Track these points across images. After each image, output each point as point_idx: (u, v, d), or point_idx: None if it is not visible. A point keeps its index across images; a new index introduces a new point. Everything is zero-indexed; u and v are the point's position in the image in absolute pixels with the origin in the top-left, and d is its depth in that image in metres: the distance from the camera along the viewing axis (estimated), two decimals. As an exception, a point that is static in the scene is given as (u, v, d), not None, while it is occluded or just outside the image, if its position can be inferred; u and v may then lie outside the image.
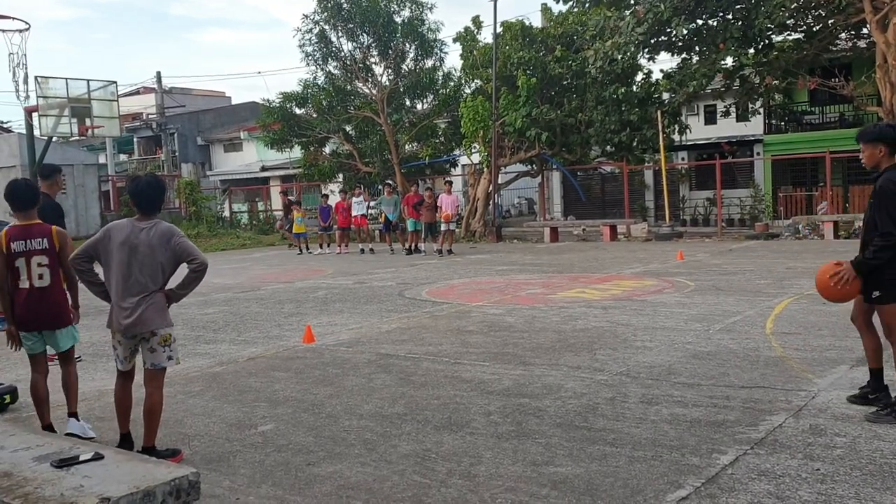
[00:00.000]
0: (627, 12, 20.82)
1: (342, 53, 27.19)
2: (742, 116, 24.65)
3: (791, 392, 5.44)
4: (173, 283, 4.78)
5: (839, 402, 5.13)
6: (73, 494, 2.80)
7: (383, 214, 21.44)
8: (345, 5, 25.90)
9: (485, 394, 5.78)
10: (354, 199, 21.97)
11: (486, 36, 26.40)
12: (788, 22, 20.12)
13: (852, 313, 5.13)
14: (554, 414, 5.19)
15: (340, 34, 26.68)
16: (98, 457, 3.16)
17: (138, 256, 4.56)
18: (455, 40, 26.56)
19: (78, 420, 5.20)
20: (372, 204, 23.39)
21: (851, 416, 4.82)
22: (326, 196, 23.89)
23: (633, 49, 21.21)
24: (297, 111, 28.65)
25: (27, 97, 22.46)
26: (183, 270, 4.74)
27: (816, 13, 20.28)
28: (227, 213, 35.94)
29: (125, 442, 4.65)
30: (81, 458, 3.14)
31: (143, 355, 4.69)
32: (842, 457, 4.18)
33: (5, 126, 40.49)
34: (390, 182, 24.74)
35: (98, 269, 4.76)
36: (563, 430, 4.84)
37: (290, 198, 24.63)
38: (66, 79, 23.80)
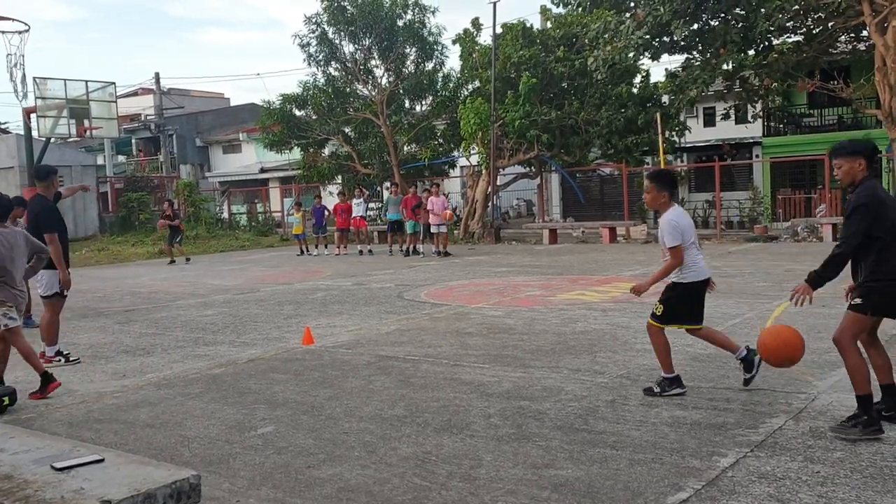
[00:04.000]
0: (627, 15, 20.81)
1: (343, 55, 27.19)
2: (742, 118, 24.67)
3: (791, 394, 5.44)
4: None
5: (839, 404, 5.12)
6: (73, 497, 2.79)
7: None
8: (349, 8, 25.88)
9: (485, 396, 5.78)
10: (354, 201, 21.98)
11: (485, 38, 26.45)
12: (788, 24, 20.13)
13: None
14: (554, 416, 5.19)
15: (343, 36, 26.68)
16: (98, 460, 3.16)
17: (18, 252, 6.32)
18: (454, 42, 26.58)
19: None
20: (375, 206, 23.19)
21: (851, 419, 4.82)
22: (320, 197, 23.84)
23: (632, 53, 21.21)
24: (297, 113, 28.62)
25: (25, 97, 22.48)
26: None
27: (816, 16, 20.28)
28: (225, 215, 35.93)
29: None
30: (81, 461, 3.13)
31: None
32: (842, 459, 4.18)
33: (3, 127, 40.48)
34: (397, 182, 24.72)
35: None
36: (563, 433, 4.83)
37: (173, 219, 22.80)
38: (65, 80, 23.81)
